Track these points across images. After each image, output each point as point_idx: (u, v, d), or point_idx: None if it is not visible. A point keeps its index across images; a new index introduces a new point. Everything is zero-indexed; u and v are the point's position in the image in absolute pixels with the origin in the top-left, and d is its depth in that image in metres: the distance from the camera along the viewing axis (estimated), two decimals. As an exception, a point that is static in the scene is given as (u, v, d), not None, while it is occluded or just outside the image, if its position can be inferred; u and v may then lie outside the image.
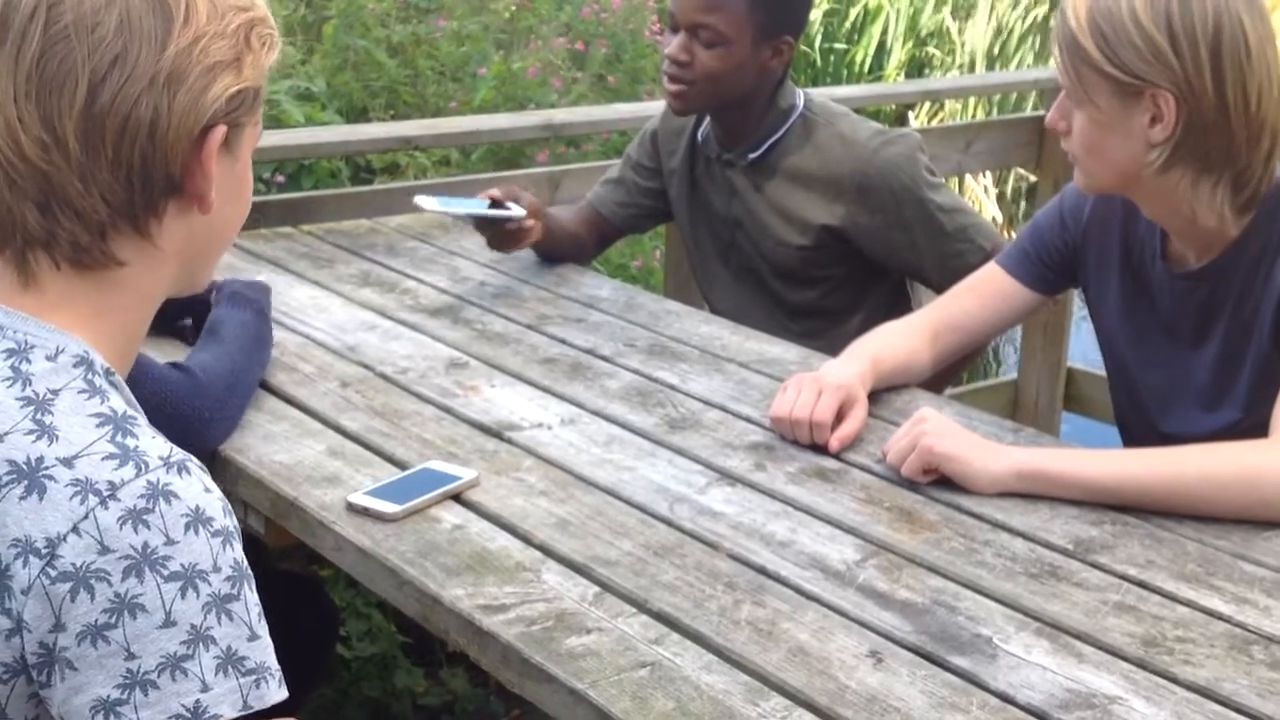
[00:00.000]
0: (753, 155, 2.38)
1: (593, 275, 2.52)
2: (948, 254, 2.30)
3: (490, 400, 1.87)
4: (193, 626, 0.97)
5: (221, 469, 1.68)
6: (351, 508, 1.55)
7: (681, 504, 1.58)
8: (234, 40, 1.05)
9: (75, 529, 0.95)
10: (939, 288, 2.23)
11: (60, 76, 0.99)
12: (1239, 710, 1.20)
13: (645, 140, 2.57)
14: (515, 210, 2.28)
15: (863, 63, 8.29)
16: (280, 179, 4.23)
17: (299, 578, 2.34)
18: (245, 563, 1.01)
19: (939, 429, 1.63)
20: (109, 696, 0.95)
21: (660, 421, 1.82)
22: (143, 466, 0.97)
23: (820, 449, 1.72)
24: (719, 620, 1.33)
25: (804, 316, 2.44)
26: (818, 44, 8.29)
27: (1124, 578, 1.43)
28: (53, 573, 0.95)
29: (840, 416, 1.75)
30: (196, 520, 0.98)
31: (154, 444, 1.00)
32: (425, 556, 1.45)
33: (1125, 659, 1.28)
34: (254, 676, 0.99)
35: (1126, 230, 1.81)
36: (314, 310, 2.23)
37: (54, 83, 0.99)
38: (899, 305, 2.39)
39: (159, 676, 0.96)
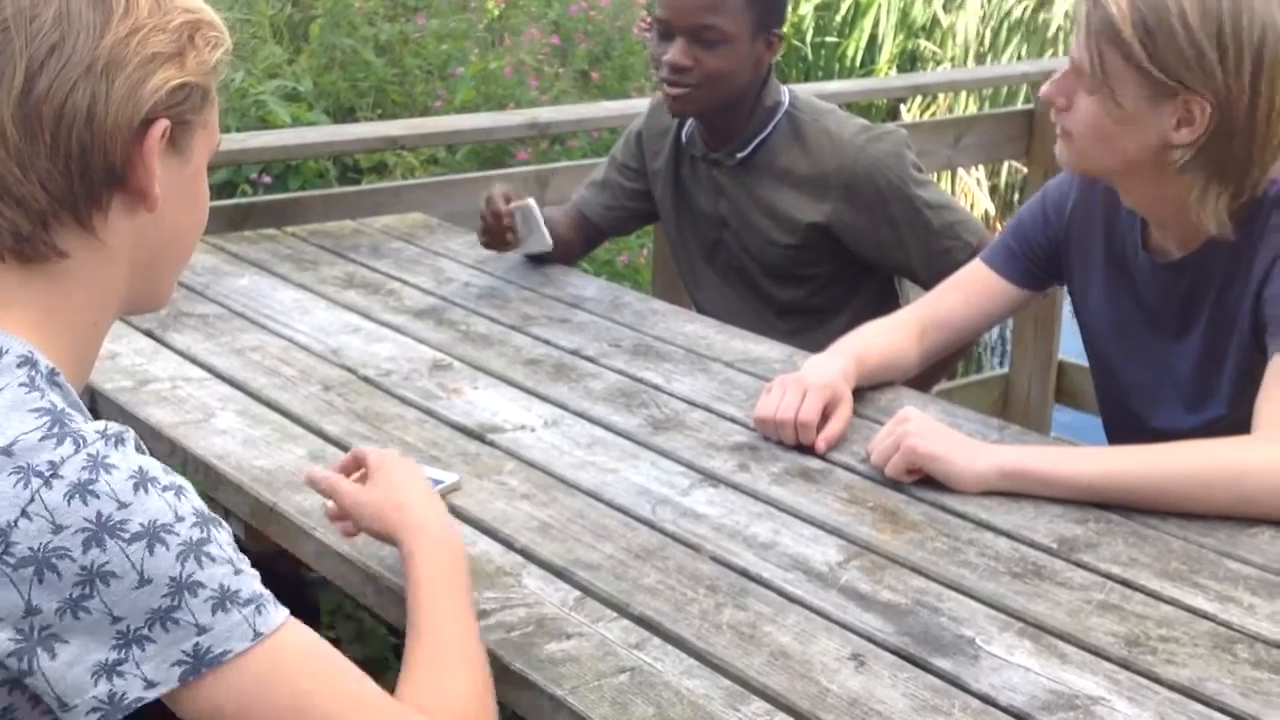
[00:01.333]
0: (740, 155, 2.37)
1: (578, 275, 2.51)
2: (935, 250, 2.29)
3: (473, 402, 1.87)
4: (171, 579, 0.98)
5: (201, 474, 1.67)
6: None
7: (664, 506, 1.57)
8: (176, 35, 1.05)
9: (24, 513, 0.96)
10: (926, 284, 2.22)
11: None
12: (1222, 710, 1.20)
13: (630, 141, 2.56)
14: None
15: (854, 56, 8.28)
16: (267, 180, 4.22)
17: (278, 576, 2.32)
18: (206, 509, 1.02)
19: (922, 429, 1.62)
20: (107, 659, 0.97)
21: (644, 423, 1.82)
22: (80, 442, 0.98)
23: (805, 449, 1.72)
24: (700, 624, 1.32)
25: (792, 315, 2.43)
26: (809, 38, 8.28)
27: (1108, 576, 1.42)
28: (11, 560, 0.96)
29: (825, 416, 1.74)
30: (143, 481, 0.99)
31: (90, 424, 1.01)
32: (405, 562, 1.44)
33: (1108, 659, 1.27)
34: (253, 605, 1.01)
35: (1109, 222, 1.80)
36: (297, 313, 2.22)
37: None
38: (887, 303, 2.39)
39: (150, 630, 0.98)
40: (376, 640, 2.76)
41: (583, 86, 5.47)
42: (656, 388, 1.94)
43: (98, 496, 0.97)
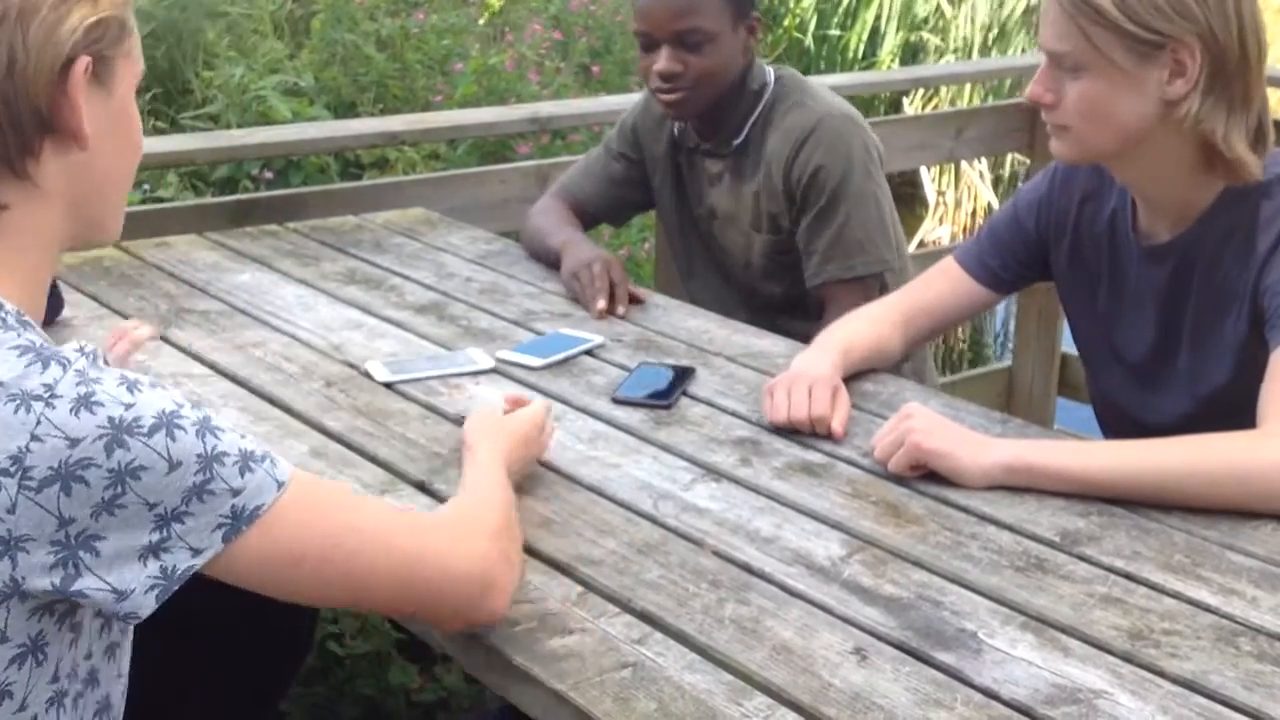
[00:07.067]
0: (736, 141, 2.38)
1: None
2: (830, 243, 2.28)
3: (474, 398, 1.86)
4: (199, 456, 1.04)
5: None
6: (501, 362, 1.88)
7: (666, 501, 1.57)
8: None
9: (34, 436, 0.99)
10: (807, 275, 2.29)
11: None
12: (1225, 703, 1.19)
13: (625, 132, 2.56)
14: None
15: (856, 49, 8.26)
16: (268, 175, 4.22)
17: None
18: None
19: (927, 425, 1.62)
20: (150, 541, 1.03)
21: (646, 417, 1.81)
22: (65, 363, 1.02)
23: (807, 443, 1.72)
24: (702, 619, 1.32)
25: (776, 310, 2.43)
26: (811, 30, 8.27)
27: (1111, 570, 1.42)
28: (32, 483, 0.99)
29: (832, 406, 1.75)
30: (130, 383, 1.03)
31: (65, 347, 1.05)
32: (408, 558, 1.44)
33: (1111, 652, 1.27)
34: (267, 459, 1.09)
35: (1094, 214, 1.80)
36: (299, 309, 2.22)
37: None
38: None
39: (188, 505, 1.04)
40: (379, 635, 2.76)
41: (583, 81, 5.47)
42: (658, 382, 1.94)
43: (102, 404, 1.01)
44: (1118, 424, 1.87)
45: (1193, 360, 1.73)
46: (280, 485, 1.08)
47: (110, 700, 1.14)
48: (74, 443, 0.99)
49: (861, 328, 1.94)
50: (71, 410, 0.99)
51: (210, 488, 1.04)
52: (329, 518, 1.13)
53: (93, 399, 1.00)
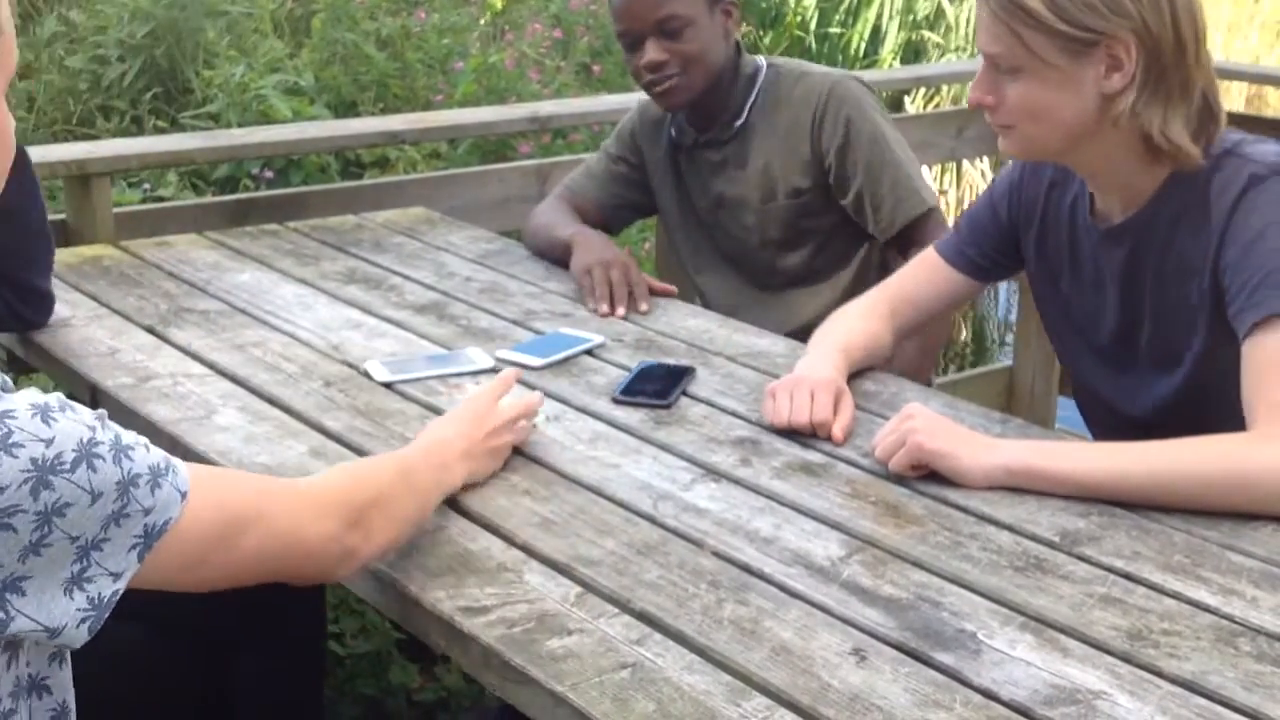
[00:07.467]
0: (737, 123, 2.43)
1: (580, 269, 2.51)
2: (900, 194, 2.36)
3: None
4: (117, 483, 1.05)
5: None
6: (501, 362, 1.88)
7: (666, 501, 1.57)
8: None
9: None
10: (886, 225, 2.36)
11: None
12: (1225, 704, 1.19)
13: (625, 138, 2.60)
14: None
15: (858, 47, 8.26)
16: (269, 174, 4.22)
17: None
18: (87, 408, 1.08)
19: (929, 425, 1.62)
20: (71, 573, 1.03)
21: (646, 417, 1.81)
22: None
23: (807, 442, 1.72)
24: (701, 619, 1.32)
25: (795, 284, 2.48)
26: (812, 29, 8.26)
27: (1110, 570, 1.42)
28: None
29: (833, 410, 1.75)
30: (44, 412, 1.02)
31: None
32: (406, 558, 1.44)
33: (1111, 653, 1.27)
34: (169, 469, 1.11)
35: (1059, 201, 1.81)
36: (299, 308, 2.22)
37: None
38: (884, 264, 2.45)
39: (106, 532, 1.05)
40: (379, 635, 2.76)
41: (584, 80, 5.47)
42: (658, 382, 1.93)
43: (22, 445, 1.00)
44: (1098, 413, 1.88)
45: (1154, 338, 1.73)
46: (184, 496, 1.11)
47: (67, 705, 1.15)
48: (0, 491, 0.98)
49: (856, 325, 1.95)
50: None
51: (126, 511, 1.06)
52: (223, 512, 1.18)
53: (11, 440, 0.99)
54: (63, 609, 1.03)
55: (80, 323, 2.13)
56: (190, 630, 1.62)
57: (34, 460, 0.99)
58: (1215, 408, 1.61)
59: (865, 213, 2.38)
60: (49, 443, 1.01)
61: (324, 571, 1.35)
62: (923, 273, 1.98)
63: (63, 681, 1.14)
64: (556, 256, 2.44)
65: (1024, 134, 1.67)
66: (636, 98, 2.68)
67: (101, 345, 2.04)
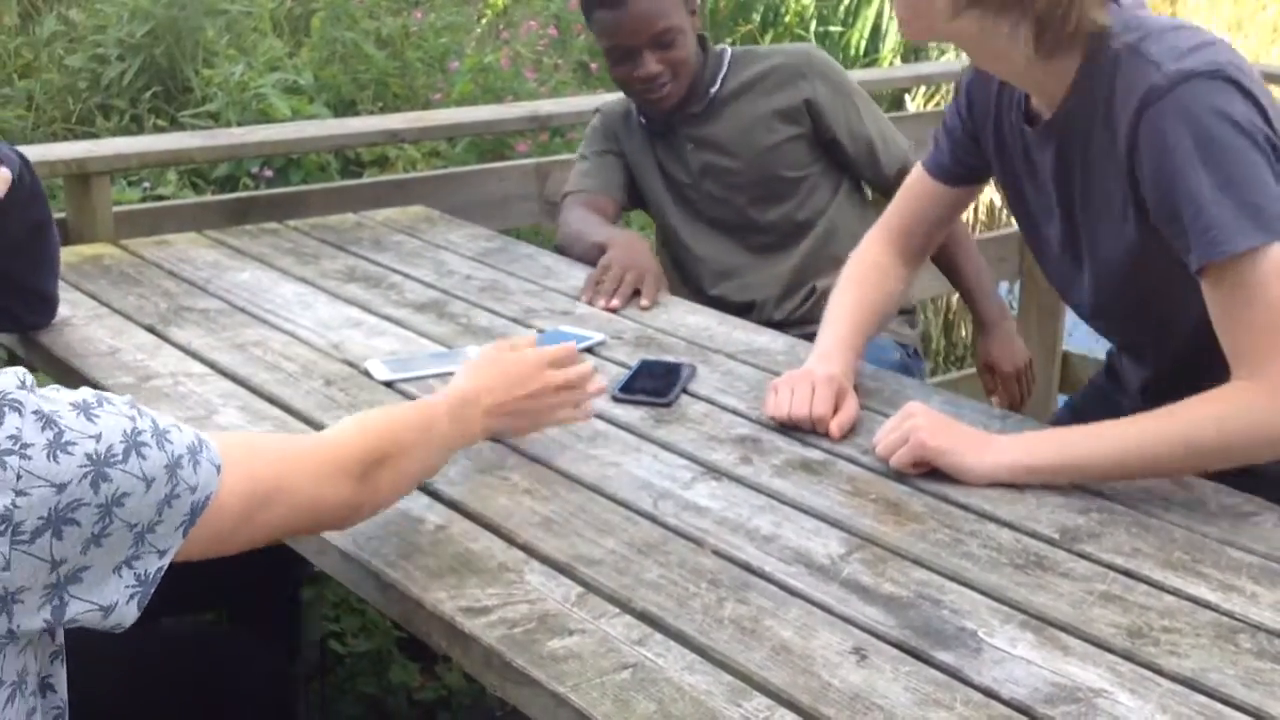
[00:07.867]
0: (714, 90, 2.55)
1: (580, 267, 2.50)
2: (888, 135, 2.59)
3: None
4: (165, 466, 1.08)
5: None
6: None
7: (666, 500, 1.57)
8: None
9: (18, 492, 0.99)
10: (885, 169, 2.56)
11: None
12: (1225, 701, 1.19)
13: (599, 135, 2.67)
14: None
15: (858, 46, 8.25)
16: (268, 173, 4.22)
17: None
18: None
19: (931, 423, 1.62)
20: (126, 556, 1.07)
21: (646, 415, 1.81)
22: (18, 407, 1.01)
23: (807, 440, 1.72)
24: (702, 619, 1.32)
25: (784, 239, 2.58)
26: (812, 27, 8.26)
27: (1110, 567, 1.42)
28: (24, 537, 1.00)
29: (835, 407, 1.75)
30: (85, 410, 1.05)
31: (4, 379, 1.04)
32: (407, 559, 1.44)
33: (1111, 651, 1.27)
34: (203, 445, 1.14)
35: (1009, 100, 1.79)
36: (299, 307, 2.22)
37: None
38: (865, 207, 2.62)
39: (160, 515, 1.09)
40: (380, 634, 2.76)
41: (582, 78, 5.46)
42: (658, 381, 1.93)
43: (74, 443, 1.02)
44: (1083, 318, 1.86)
45: (1090, 233, 1.71)
46: (219, 469, 1.15)
47: (66, 704, 1.16)
48: (61, 488, 1.01)
49: (864, 294, 1.94)
50: (48, 456, 1.00)
51: (176, 493, 1.10)
52: (254, 483, 1.21)
53: (64, 440, 1.02)
54: (113, 587, 1.07)
55: (80, 322, 2.13)
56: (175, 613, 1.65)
57: (89, 456, 1.02)
58: (1164, 303, 1.64)
59: (874, 155, 2.57)
60: (98, 438, 1.04)
61: (331, 528, 1.41)
62: (914, 193, 1.99)
63: (63, 680, 1.15)
64: (593, 260, 2.43)
65: (903, 20, 1.65)
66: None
67: (102, 344, 2.04)
